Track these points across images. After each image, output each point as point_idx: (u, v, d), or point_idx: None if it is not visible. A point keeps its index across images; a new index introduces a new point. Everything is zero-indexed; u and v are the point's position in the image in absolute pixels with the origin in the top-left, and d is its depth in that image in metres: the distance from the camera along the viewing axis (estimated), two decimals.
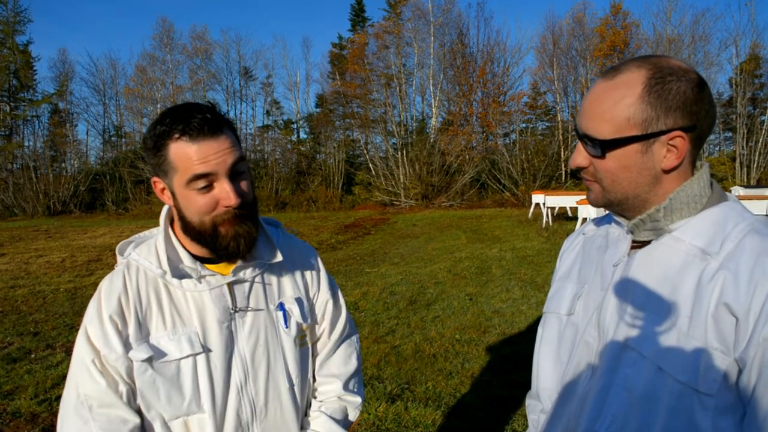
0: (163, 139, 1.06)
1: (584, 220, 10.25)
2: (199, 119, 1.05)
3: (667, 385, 0.86)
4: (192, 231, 1.12)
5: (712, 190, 0.95)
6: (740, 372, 0.82)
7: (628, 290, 0.94)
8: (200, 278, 1.16)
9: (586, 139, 0.95)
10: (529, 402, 1.19)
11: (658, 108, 0.88)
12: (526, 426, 3.22)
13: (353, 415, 1.33)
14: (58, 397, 3.79)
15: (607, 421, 0.91)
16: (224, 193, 1.07)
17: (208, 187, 1.07)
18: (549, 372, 1.08)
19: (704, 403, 0.83)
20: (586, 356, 0.98)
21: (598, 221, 1.15)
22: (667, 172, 0.92)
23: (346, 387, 1.32)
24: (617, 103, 0.90)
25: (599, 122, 0.92)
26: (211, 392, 1.14)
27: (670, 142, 0.90)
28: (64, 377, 4.19)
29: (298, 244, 1.36)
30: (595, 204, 1.01)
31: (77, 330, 6.28)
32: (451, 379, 4.00)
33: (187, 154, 1.05)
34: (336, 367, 1.33)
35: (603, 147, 0.92)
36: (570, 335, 1.04)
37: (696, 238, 0.90)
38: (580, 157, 0.98)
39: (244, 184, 1.12)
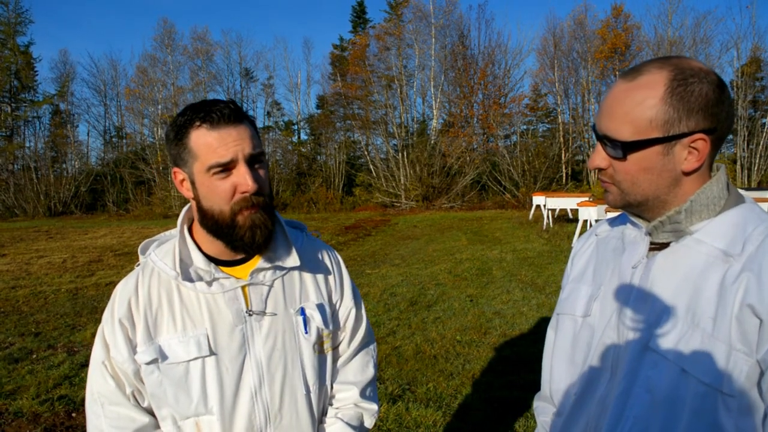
0: (184, 128, 1.09)
1: (585, 221, 10.23)
2: (220, 107, 1.08)
3: (691, 386, 0.86)
4: (210, 221, 1.12)
5: (729, 192, 0.95)
6: (762, 373, 0.83)
7: (649, 292, 0.94)
8: (213, 281, 1.15)
9: (605, 140, 0.94)
10: (539, 404, 1.18)
11: (680, 110, 0.88)
12: (528, 428, 3.23)
13: (369, 422, 1.32)
14: (60, 397, 3.80)
15: (629, 423, 0.91)
16: (241, 178, 1.08)
17: (227, 173, 1.08)
18: (563, 374, 1.07)
19: (728, 404, 0.84)
20: (605, 358, 0.97)
21: (612, 222, 1.14)
22: (687, 174, 0.92)
23: (362, 394, 1.31)
24: (639, 105, 0.89)
25: (620, 124, 0.91)
26: (220, 395, 1.14)
27: (692, 145, 0.89)
28: (65, 377, 4.21)
29: (323, 249, 1.34)
30: (614, 205, 1.01)
31: (78, 330, 6.26)
32: (452, 380, 4.01)
33: (208, 140, 1.07)
34: (353, 374, 1.32)
35: (624, 149, 0.92)
36: (586, 337, 1.03)
37: (717, 239, 0.90)
38: (599, 158, 0.97)
39: (262, 173, 1.13)
